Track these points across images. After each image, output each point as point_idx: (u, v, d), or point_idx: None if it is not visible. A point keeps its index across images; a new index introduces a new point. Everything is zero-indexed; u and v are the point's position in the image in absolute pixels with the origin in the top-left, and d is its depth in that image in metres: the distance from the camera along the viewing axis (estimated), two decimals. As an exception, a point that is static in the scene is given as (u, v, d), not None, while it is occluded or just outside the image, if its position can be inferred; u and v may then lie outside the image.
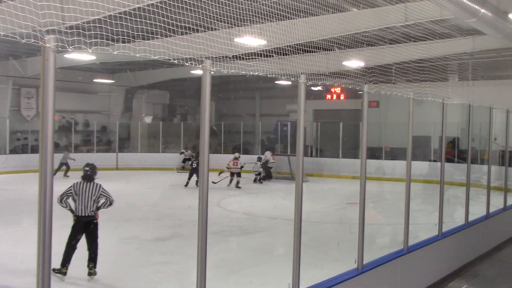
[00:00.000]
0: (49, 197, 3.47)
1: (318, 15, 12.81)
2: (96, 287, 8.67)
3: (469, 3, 10.61)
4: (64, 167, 24.07)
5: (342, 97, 31.27)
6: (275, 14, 7.76)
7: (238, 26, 6.69)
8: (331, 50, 14.84)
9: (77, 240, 8.67)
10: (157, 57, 4.43)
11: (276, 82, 31.13)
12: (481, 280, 9.86)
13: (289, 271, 5.79)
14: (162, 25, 5.13)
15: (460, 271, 10.07)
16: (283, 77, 6.16)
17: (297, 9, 8.55)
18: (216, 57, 5.21)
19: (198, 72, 24.38)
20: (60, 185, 7.75)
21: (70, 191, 8.58)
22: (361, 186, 7.12)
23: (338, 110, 31.87)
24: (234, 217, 15.33)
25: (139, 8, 4.84)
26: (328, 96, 31.76)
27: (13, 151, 28.73)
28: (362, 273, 6.92)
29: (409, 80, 13.67)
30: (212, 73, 4.56)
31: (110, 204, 8.81)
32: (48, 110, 3.46)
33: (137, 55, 4.24)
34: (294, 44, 9.25)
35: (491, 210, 12.26)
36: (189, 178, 21.50)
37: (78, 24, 4.18)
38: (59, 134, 29.92)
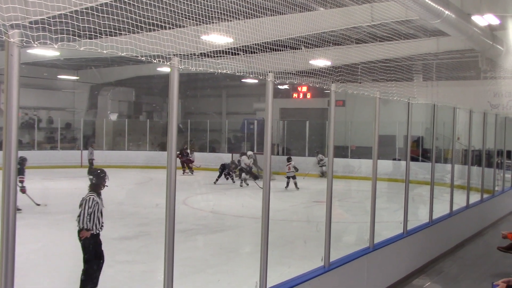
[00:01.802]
0: (13, 195, 3.40)
1: (286, 14, 12.84)
2: (59, 286, 8.52)
3: (434, 5, 10.79)
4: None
5: (308, 96, 31.44)
6: (242, 12, 7.74)
7: (205, 23, 6.66)
8: (298, 49, 14.90)
9: (98, 262, 8.18)
10: (124, 53, 4.38)
11: (243, 80, 31.16)
12: (444, 276, 10.01)
13: (256, 269, 5.79)
14: (129, 21, 5.06)
15: (424, 268, 10.22)
16: (251, 75, 6.15)
17: (265, 8, 8.54)
18: (184, 55, 5.16)
19: (165, 69, 24.28)
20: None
21: (95, 207, 8.03)
22: (328, 184, 7.16)
23: (305, 109, 32.02)
24: (200, 216, 15.26)
25: (105, 3, 4.76)
26: (295, 95, 31.91)
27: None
28: (329, 270, 6.96)
29: (375, 80, 13.80)
30: (180, 70, 4.52)
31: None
32: (12, 106, 3.39)
33: (104, 51, 4.18)
34: (262, 43, 9.25)
35: (454, 208, 12.47)
36: None
37: (44, 19, 4.10)
38: (22, 131, 29.34)
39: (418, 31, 16.17)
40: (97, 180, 7.95)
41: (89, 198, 7.86)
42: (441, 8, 10.94)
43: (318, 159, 26.27)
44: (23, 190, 14.87)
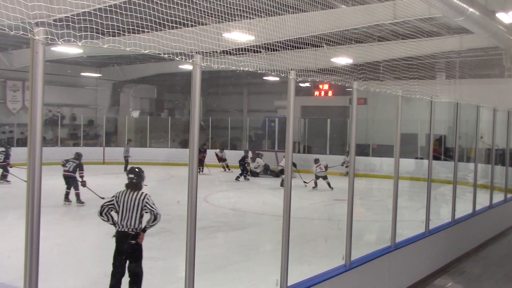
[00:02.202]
0: (38, 191, 3.43)
1: (307, 11, 12.79)
2: (82, 282, 8.61)
3: (458, 2, 10.66)
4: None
5: (330, 93, 31.31)
6: (264, 10, 7.73)
7: (227, 21, 6.66)
8: (320, 46, 14.84)
9: (121, 261, 7.30)
10: (147, 51, 4.39)
11: (264, 77, 31.14)
12: (466, 277, 9.92)
13: (276, 267, 5.79)
14: (152, 19, 5.09)
15: (446, 268, 10.14)
16: (273, 73, 6.14)
17: (286, 5, 8.53)
18: (206, 52, 5.17)
19: (186, 67, 24.37)
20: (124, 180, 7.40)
21: (112, 202, 7.21)
22: (350, 183, 7.13)
23: (326, 107, 31.91)
24: (221, 213, 15.29)
25: (128, 1, 4.79)
26: (316, 93, 31.79)
27: (-2, 144, 28.57)
28: (350, 269, 6.94)
29: (397, 78, 13.71)
30: (202, 68, 4.54)
31: (155, 219, 7.14)
32: (37, 103, 3.42)
33: (127, 48, 4.20)
34: (283, 40, 9.22)
35: (477, 208, 12.34)
36: None
37: (68, 16, 4.13)
38: (46, 127, 29.68)
39: (441, 28, 16.03)
40: (138, 179, 7.30)
41: (148, 196, 7.24)
42: (465, 6, 10.81)
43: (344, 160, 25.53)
44: (83, 184, 15.57)
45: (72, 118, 33.35)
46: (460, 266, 10.51)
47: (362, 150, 26.63)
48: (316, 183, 20.85)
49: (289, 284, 5.77)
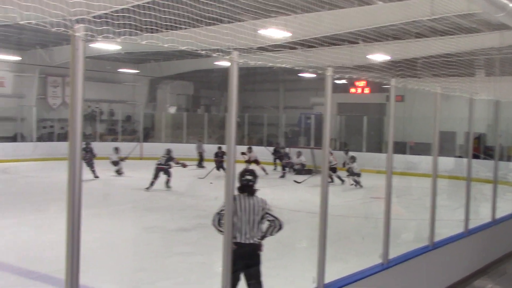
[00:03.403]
0: (78, 185, 3.48)
1: (344, 8, 12.70)
2: (119, 275, 8.72)
3: (499, -3, 10.42)
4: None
5: (366, 90, 31.03)
6: (300, 6, 7.70)
7: (264, 17, 6.65)
8: (357, 43, 14.72)
9: (237, 275, 6.00)
10: (185, 47, 4.42)
11: (300, 74, 31.02)
12: (507, 278, 9.72)
13: (313, 264, 5.76)
14: (189, 15, 5.11)
15: (486, 269, 9.94)
16: (310, 70, 6.11)
17: (323, 1, 8.48)
18: (242, 49, 5.17)
19: (222, 63, 24.43)
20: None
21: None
22: (387, 181, 7.05)
23: (362, 104, 31.64)
24: (257, 209, 15.27)
25: (167, -2, 4.82)
26: (353, 90, 31.54)
27: (40, 138, 29.18)
28: (387, 268, 6.86)
29: (435, 75, 13.50)
30: (239, 64, 4.54)
31: (280, 228, 6.32)
32: (77, 99, 3.47)
33: (165, 45, 4.23)
34: (320, 37, 9.18)
35: (518, 207, 12.08)
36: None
37: (107, 13, 4.18)
38: (85, 123, 30.00)
39: (480, 25, 15.71)
40: (254, 181, 6.31)
41: (267, 201, 6.35)
42: (505, 1, 10.56)
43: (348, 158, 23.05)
44: (184, 165, 19.60)
45: (110, 113, 33.84)
46: (500, 267, 10.29)
47: (400, 148, 26.32)
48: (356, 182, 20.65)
49: (325, 281, 5.74)
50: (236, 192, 5.96)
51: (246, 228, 6.07)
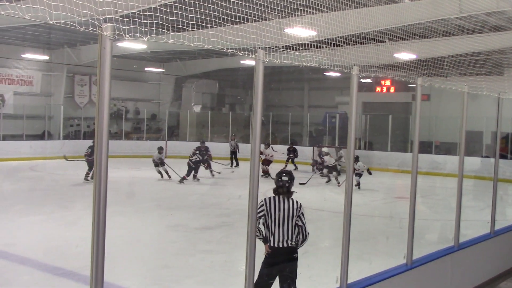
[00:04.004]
0: (104, 182, 3.52)
1: (370, 6, 12.61)
2: (143, 272, 8.80)
3: (529, -5, 10.29)
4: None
5: (392, 89, 30.83)
6: (326, 4, 7.67)
7: (289, 16, 6.64)
8: (383, 41, 14.60)
9: (271, 277, 5.86)
10: (211, 46, 4.44)
11: (325, 73, 30.93)
12: (533, 280, 9.58)
13: (336, 263, 5.75)
14: (215, 14, 5.13)
15: (512, 271, 9.83)
16: (335, 69, 6.09)
17: (349, 0, 8.43)
18: (268, 47, 5.18)
19: (247, 62, 24.43)
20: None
21: (262, 211, 5.83)
22: (412, 181, 7.00)
23: (388, 103, 31.45)
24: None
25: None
26: (378, 89, 31.35)
27: (67, 137, 29.56)
28: (411, 269, 6.82)
29: (463, 74, 13.36)
30: (265, 63, 4.55)
31: (304, 239, 5.91)
32: (104, 97, 3.51)
33: (191, 44, 4.26)
34: (346, 35, 9.14)
35: (546, 208, 11.90)
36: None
37: (134, 12, 4.23)
38: (111, 121, 30.34)
39: (510, 22, 15.49)
40: (291, 183, 6.01)
41: (303, 206, 6.03)
42: (536, -1, 10.44)
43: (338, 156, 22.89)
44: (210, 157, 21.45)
45: (136, 112, 34.12)
46: (527, 269, 10.16)
47: (425, 148, 26.11)
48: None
49: (349, 281, 5.73)
50: (272, 194, 5.96)
51: (280, 231, 5.80)
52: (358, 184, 18.89)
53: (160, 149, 20.27)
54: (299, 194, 6.56)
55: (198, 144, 21.90)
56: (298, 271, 5.86)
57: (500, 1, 11.55)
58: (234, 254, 9.69)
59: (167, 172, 20.10)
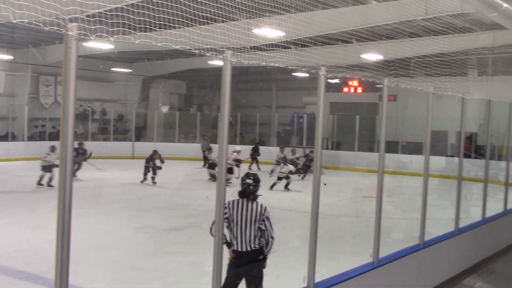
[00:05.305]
0: (69, 184, 3.48)
1: (338, 7, 12.73)
2: (110, 275, 8.72)
3: (492, -3, 10.50)
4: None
5: (359, 90, 31.12)
6: (294, 5, 7.71)
7: (257, 17, 6.66)
8: (350, 42, 14.74)
9: (238, 278, 5.81)
10: (178, 46, 4.42)
11: (293, 74, 31.07)
12: (496, 277, 9.78)
13: (304, 263, 5.78)
14: (183, 14, 5.12)
15: (476, 268, 10.01)
16: (303, 69, 6.13)
17: (317, 1, 8.49)
18: (236, 48, 5.19)
19: (216, 62, 24.33)
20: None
21: (225, 213, 5.56)
22: (379, 180, 7.08)
23: (355, 103, 31.74)
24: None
25: (160, -3, 4.84)
26: (345, 89, 31.62)
27: (31, 138, 29.10)
28: (378, 267, 6.90)
29: (428, 74, 13.56)
30: (232, 64, 4.55)
31: (267, 244, 5.76)
32: (70, 98, 3.47)
33: (159, 44, 4.24)
34: (313, 36, 9.19)
35: (509, 206, 12.14)
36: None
37: (100, 12, 4.19)
38: (77, 122, 29.97)
39: (473, 24, 15.79)
40: (256, 186, 5.91)
41: (268, 210, 5.88)
42: (498, 1, 10.64)
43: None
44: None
45: (103, 113, 33.77)
46: (490, 265, 10.37)
47: (392, 147, 26.43)
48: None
49: (316, 280, 5.76)
50: (236, 197, 5.86)
51: (243, 235, 5.67)
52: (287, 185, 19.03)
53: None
54: (267, 194, 6.58)
55: (164, 144, 21.61)
56: (266, 271, 5.86)
57: (465, 4, 11.74)
58: (202, 255, 9.67)
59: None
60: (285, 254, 10.13)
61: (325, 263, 7.90)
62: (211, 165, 20.83)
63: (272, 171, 22.21)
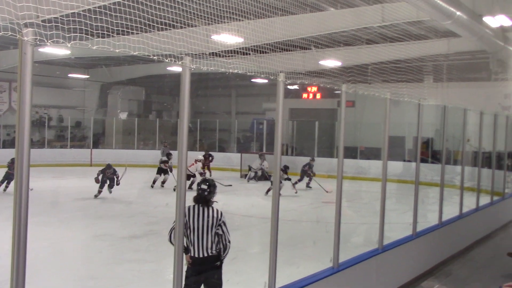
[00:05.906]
0: (25, 192, 3.41)
1: (296, 14, 12.80)
2: (68, 284, 8.56)
3: (445, 5, 10.74)
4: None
5: (318, 96, 31.37)
6: (253, 12, 7.73)
7: (216, 23, 6.65)
8: (309, 49, 14.83)
9: (198, 285, 5.85)
10: (136, 52, 4.38)
11: (252, 80, 31.15)
12: (453, 279, 9.97)
13: (265, 269, 5.78)
14: (141, 20, 5.07)
15: (433, 270, 10.19)
16: (262, 75, 6.14)
17: (275, 7, 8.53)
18: (195, 54, 5.17)
19: (175, 68, 24.17)
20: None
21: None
22: (338, 185, 7.15)
23: (314, 109, 31.96)
24: (209, 215, 15.22)
25: (118, 2, 4.78)
26: (305, 95, 31.84)
27: (-16, 145, 28.36)
28: (338, 271, 6.95)
29: (385, 80, 13.76)
30: (191, 70, 4.53)
31: (225, 249, 5.86)
32: (25, 104, 3.40)
33: (116, 50, 4.19)
34: (272, 43, 9.22)
35: (464, 210, 12.41)
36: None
37: (57, 17, 4.11)
38: (33, 129, 29.36)
39: (429, 32, 16.11)
40: (211, 192, 6.00)
41: (224, 215, 5.94)
42: (452, 9, 10.90)
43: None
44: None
45: (60, 119, 33.18)
46: (447, 268, 10.57)
47: (350, 153, 26.72)
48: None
49: (277, 286, 5.77)
50: (192, 203, 5.86)
51: (200, 241, 5.70)
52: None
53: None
54: (227, 200, 6.58)
55: (123, 151, 21.24)
56: (226, 277, 5.85)
57: (420, 11, 11.98)
58: (162, 263, 9.58)
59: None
60: (245, 260, 10.12)
61: (286, 269, 7.93)
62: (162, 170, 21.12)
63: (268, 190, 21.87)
